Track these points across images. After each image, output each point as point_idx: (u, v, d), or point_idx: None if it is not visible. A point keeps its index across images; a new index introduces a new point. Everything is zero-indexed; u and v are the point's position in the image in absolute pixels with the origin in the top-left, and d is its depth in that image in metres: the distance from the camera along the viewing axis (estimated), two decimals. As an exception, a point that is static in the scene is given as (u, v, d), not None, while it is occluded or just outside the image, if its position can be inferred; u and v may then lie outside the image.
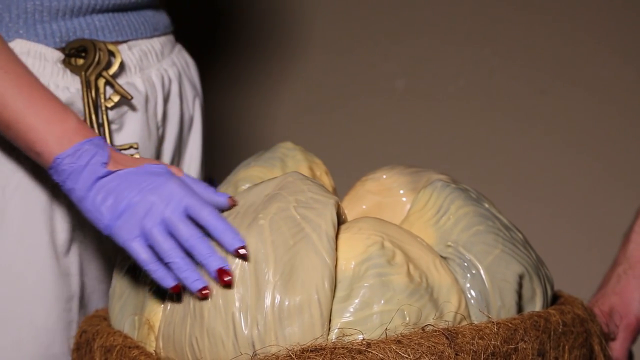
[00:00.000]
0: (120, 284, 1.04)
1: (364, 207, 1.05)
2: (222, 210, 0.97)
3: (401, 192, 1.05)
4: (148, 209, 0.94)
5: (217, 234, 0.93)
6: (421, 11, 1.84)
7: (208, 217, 0.94)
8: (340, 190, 1.13)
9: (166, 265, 0.94)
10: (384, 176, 1.07)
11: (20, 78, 1.00)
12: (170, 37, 1.24)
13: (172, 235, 0.93)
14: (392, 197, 1.05)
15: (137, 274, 1.02)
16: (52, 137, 0.99)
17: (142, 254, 0.94)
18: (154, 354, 0.96)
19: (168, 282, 0.93)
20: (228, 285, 0.91)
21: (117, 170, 0.97)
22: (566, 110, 1.78)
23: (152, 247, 0.94)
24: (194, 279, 0.92)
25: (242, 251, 0.92)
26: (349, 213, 1.05)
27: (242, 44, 1.82)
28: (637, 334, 1.12)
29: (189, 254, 0.94)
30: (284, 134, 1.80)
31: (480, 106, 1.83)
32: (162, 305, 0.98)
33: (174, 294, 0.95)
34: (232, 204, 0.98)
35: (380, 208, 1.05)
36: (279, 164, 1.10)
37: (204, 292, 0.91)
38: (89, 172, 0.96)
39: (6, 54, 1.02)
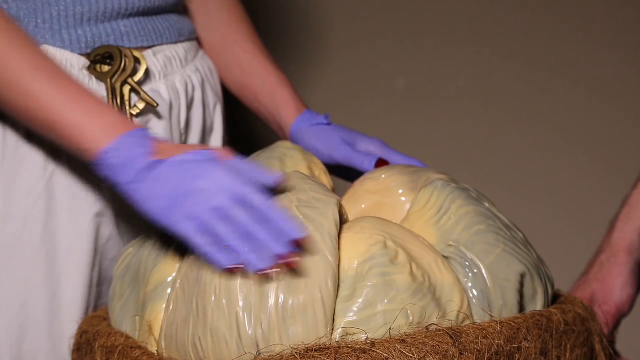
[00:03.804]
0: (120, 284, 1.04)
1: (363, 206, 1.05)
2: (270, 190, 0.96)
3: (400, 191, 1.05)
4: (198, 196, 0.92)
5: (273, 223, 0.91)
6: (421, 11, 1.84)
7: (261, 205, 0.92)
8: (338, 190, 1.13)
9: (223, 248, 0.91)
10: (383, 176, 1.07)
11: (55, 76, 0.99)
12: (194, 43, 1.23)
13: (226, 221, 0.91)
14: (391, 197, 1.05)
15: (138, 274, 1.02)
16: (94, 133, 0.97)
17: (196, 236, 0.91)
18: (156, 354, 0.96)
19: (224, 262, 0.90)
20: (294, 269, 0.89)
21: (163, 160, 0.95)
22: (566, 109, 1.78)
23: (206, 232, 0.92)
24: (256, 261, 0.89)
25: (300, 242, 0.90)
26: (348, 212, 1.05)
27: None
28: (617, 321, 1.12)
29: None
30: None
31: (480, 106, 1.83)
32: (164, 306, 0.98)
33: (177, 293, 0.95)
34: (280, 184, 0.97)
35: (380, 207, 1.05)
36: (278, 164, 1.09)
37: (268, 272, 0.89)
38: (134, 163, 0.95)
39: (42, 56, 1.00)
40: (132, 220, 1.14)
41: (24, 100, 0.98)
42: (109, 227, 1.12)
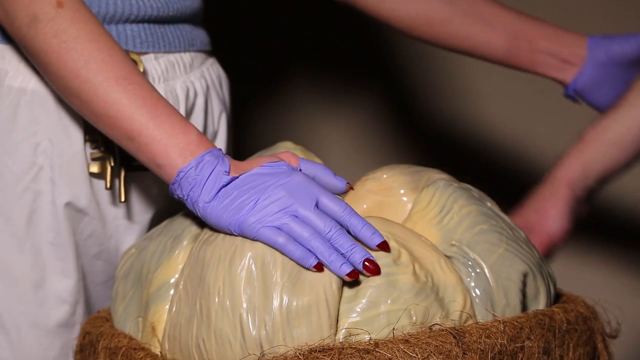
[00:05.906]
0: (123, 285, 1.04)
1: (365, 206, 1.05)
2: (339, 194, 0.99)
3: (402, 191, 1.05)
4: (279, 204, 0.93)
5: (355, 230, 0.93)
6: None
7: (342, 212, 0.94)
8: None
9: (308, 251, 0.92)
10: (384, 176, 1.07)
11: (143, 89, 0.99)
12: (204, 54, 1.23)
13: (306, 226, 0.93)
14: (392, 197, 1.05)
15: (140, 275, 1.03)
16: (175, 150, 0.97)
17: (279, 237, 0.92)
18: (159, 356, 0.96)
19: (310, 261, 0.91)
20: (376, 275, 0.91)
21: (239, 175, 0.96)
22: (566, 109, 1.78)
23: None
24: (341, 263, 0.90)
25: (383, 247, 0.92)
26: (350, 213, 1.05)
27: (242, 44, 1.83)
28: (549, 252, 1.13)
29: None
30: (284, 134, 1.80)
31: (480, 106, 1.83)
32: (167, 307, 0.98)
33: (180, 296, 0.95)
34: (349, 189, 0.99)
35: (381, 207, 1.05)
36: (280, 164, 1.10)
37: (353, 275, 0.90)
38: (212, 182, 0.95)
39: (130, 65, 1.00)
40: (117, 220, 1.14)
41: (109, 108, 0.98)
42: (91, 224, 1.12)
